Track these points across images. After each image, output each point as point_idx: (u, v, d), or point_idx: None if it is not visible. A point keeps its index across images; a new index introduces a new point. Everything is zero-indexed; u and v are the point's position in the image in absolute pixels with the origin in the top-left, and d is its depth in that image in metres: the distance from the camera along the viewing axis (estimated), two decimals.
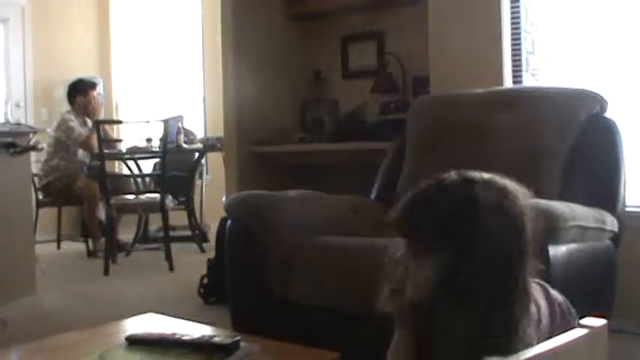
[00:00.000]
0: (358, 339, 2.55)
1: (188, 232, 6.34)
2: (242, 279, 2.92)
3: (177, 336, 1.71)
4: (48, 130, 6.05)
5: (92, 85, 6.25)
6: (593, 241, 2.49)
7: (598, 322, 1.22)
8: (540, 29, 3.82)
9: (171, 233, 6.15)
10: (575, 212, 2.33)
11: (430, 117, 3.24)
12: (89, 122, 6.09)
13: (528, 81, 3.81)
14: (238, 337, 1.69)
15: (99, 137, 5.31)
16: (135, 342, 1.70)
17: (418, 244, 1.33)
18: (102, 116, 6.27)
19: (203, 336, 1.70)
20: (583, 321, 1.26)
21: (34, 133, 4.49)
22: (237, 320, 2.90)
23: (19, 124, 4.88)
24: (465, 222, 1.30)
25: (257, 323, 2.84)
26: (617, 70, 3.44)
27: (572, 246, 2.33)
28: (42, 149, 4.72)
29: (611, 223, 2.63)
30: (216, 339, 1.67)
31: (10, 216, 4.34)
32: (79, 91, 6.17)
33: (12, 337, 3.65)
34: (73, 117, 6.08)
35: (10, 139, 4.18)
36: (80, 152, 6.04)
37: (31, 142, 4.36)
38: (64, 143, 5.98)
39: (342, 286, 2.58)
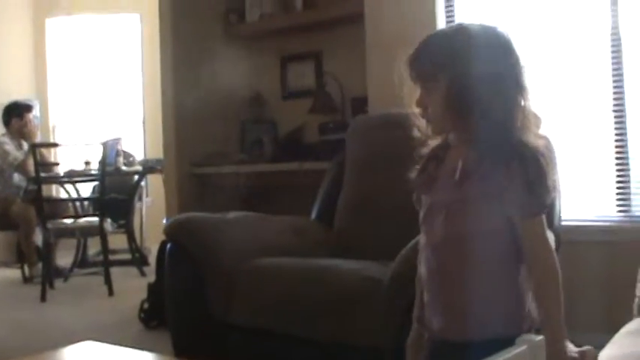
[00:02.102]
0: None
1: (128, 256, 6.25)
2: (183, 303, 2.90)
3: None
4: None
5: (27, 108, 6.13)
6: None
7: (535, 337, 1.25)
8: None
9: (111, 257, 6.06)
10: None
11: (368, 137, 3.28)
12: (25, 145, 5.97)
13: None
14: None
15: (35, 161, 5.21)
16: None
17: (428, 80, 1.52)
18: (38, 139, 6.15)
19: None
20: (520, 338, 1.29)
21: None
22: (178, 345, 2.88)
23: None
24: (454, 44, 1.52)
25: (199, 347, 2.83)
26: (550, 86, 3.51)
27: None
28: None
29: (551, 238, 2.68)
30: None
31: None
32: (15, 113, 6.05)
33: None
34: (8, 140, 5.96)
35: None
36: (16, 176, 5.92)
37: None
38: None
39: (282, 308, 2.58)
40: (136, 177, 6.28)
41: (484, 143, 1.48)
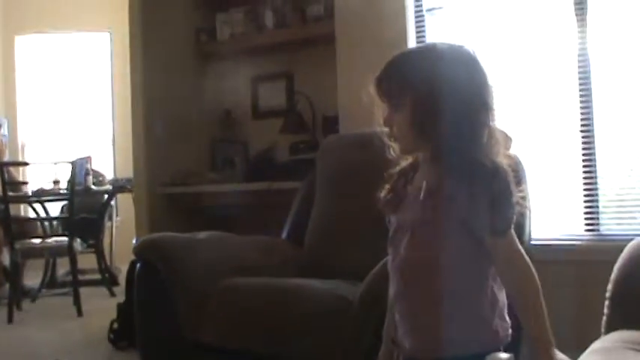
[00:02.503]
0: None
1: (98, 276, 6.19)
2: (152, 323, 2.88)
3: None
4: None
5: None
6: None
7: (505, 356, 1.28)
8: None
9: (81, 277, 5.99)
10: None
11: (339, 156, 3.29)
12: None
13: None
14: None
15: (2, 180, 5.15)
16: None
17: (394, 99, 1.54)
18: (6, 157, 6.09)
19: None
20: (490, 357, 1.32)
21: None
22: None
23: None
24: (420, 64, 1.54)
25: None
26: (518, 105, 3.55)
27: None
28: None
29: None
30: None
31: None
32: None
33: None
34: None
35: None
36: None
37: None
38: None
39: (253, 328, 2.57)
40: (106, 196, 6.24)
41: (448, 162, 1.48)
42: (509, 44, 3.62)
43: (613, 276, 1.89)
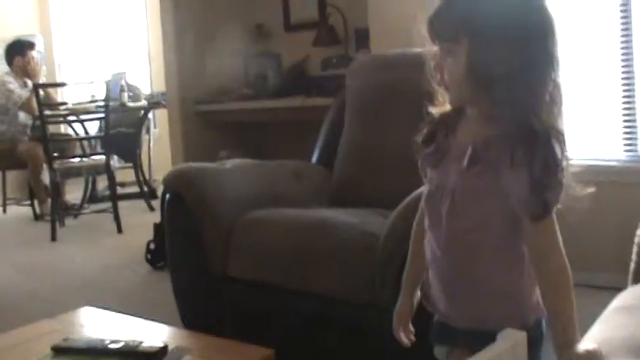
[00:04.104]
0: (298, 316, 2.55)
1: (137, 189, 6.27)
2: (182, 254, 2.89)
3: (105, 342, 1.67)
4: None
5: (30, 45, 6.04)
6: None
7: (518, 334, 1.21)
8: None
9: (121, 190, 6.11)
10: None
11: (367, 79, 3.19)
12: (29, 83, 5.91)
13: None
14: (166, 344, 1.66)
15: (38, 101, 5.17)
16: (61, 351, 1.66)
17: (449, 41, 1.35)
18: (43, 75, 6.08)
19: (131, 342, 1.66)
20: (502, 334, 1.25)
21: None
22: (179, 295, 2.88)
23: None
24: (480, 4, 1.33)
25: (198, 299, 2.84)
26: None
27: None
28: None
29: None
30: (144, 346, 1.64)
31: None
32: (17, 51, 5.97)
33: None
34: (12, 79, 5.90)
35: None
36: (22, 115, 5.88)
37: None
38: (3, 106, 5.81)
39: (279, 261, 2.56)
40: (142, 111, 6.24)
41: (499, 121, 1.31)
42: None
43: None
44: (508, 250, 1.38)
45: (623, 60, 3.19)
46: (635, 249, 1.76)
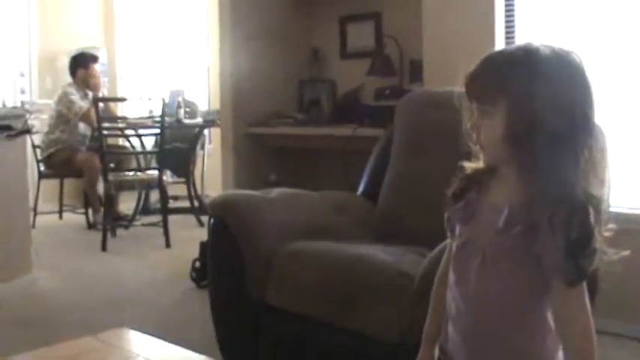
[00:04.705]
0: (333, 350, 2.57)
1: (189, 204, 6.37)
2: (222, 278, 2.93)
3: None
4: (49, 101, 6.05)
5: (93, 58, 6.22)
6: None
7: None
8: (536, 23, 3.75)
9: (173, 204, 6.22)
10: None
11: (415, 115, 3.20)
12: (90, 95, 6.08)
13: None
14: None
15: (97, 113, 5.31)
16: None
17: (487, 103, 1.36)
18: (104, 88, 6.24)
19: None
20: None
21: (30, 114, 4.50)
22: (217, 319, 2.93)
23: (15, 107, 4.87)
24: (520, 69, 1.33)
25: (235, 323, 2.88)
26: (612, 70, 3.40)
27: None
28: (36, 132, 4.73)
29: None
30: None
31: (6, 197, 4.38)
32: (81, 64, 6.15)
33: (4, 319, 3.71)
34: (74, 90, 6.08)
35: (6, 122, 4.20)
36: (81, 125, 6.05)
37: (27, 123, 4.37)
38: (64, 116, 5.99)
39: (316, 295, 2.59)
40: (198, 128, 6.35)
41: (537, 188, 1.32)
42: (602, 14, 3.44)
43: None
44: (534, 312, 1.38)
45: None
46: None
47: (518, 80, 1.33)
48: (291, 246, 2.75)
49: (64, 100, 5.99)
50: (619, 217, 3.12)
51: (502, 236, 1.35)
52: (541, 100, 1.31)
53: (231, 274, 2.86)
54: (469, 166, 1.46)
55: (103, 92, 6.19)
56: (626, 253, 1.36)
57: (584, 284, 1.33)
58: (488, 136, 1.36)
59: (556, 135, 1.30)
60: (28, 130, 4.28)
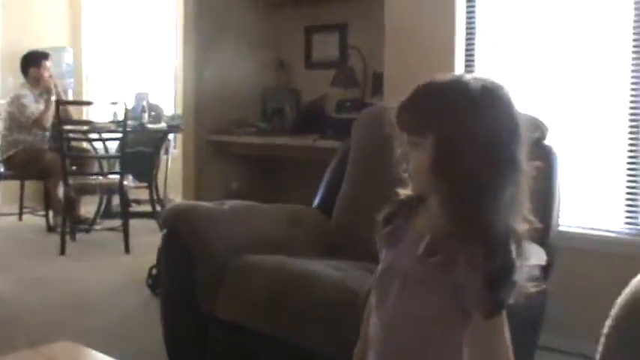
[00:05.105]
0: None
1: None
2: (173, 288, 2.93)
3: None
4: (1, 102, 5.99)
5: (44, 56, 6.13)
6: None
7: None
8: (504, 30, 3.78)
9: (136, 208, 6.17)
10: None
11: (369, 130, 3.22)
12: (45, 96, 6.02)
13: None
14: None
15: (58, 116, 5.26)
16: None
17: (414, 134, 1.38)
18: (68, 89, 6.18)
19: None
20: None
21: None
22: (167, 329, 2.92)
23: None
24: (448, 103, 1.36)
25: (184, 334, 2.87)
26: (567, 92, 3.45)
27: None
28: None
29: (538, 257, 2.64)
30: None
31: None
32: (31, 62, 6.06)
33: None
34: (27, 91, 6.00)
35: None
36: None
37: None
38: (17, 120, 5.91)
39: (265, 309, 2.59)
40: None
41: (458, 218, 1.33)
42: (561, 19, 3.48)
43: (613, 313, 1.76)
44: (453, 343, 1.39)
45: (630, 130, 3.19)
46: (602, 339, 1.74)
47: (445, 114, 1.35)
48: (242, 259, 2.75)
49: (16, 102, 5.92)
50: (571, 236, 3.18)
51: (422, 264, 1.37)
52: (466, 136, 1.33)
53: (182, 284, 2.86)
54: (402, 192, 1.47)
55: (60, 92, 6.09)
56: (543, 286, 1.39)
57: (504, 316, 1.36)
58: (416, 166, 1.39)
59: (478, 171, 1.33)
60: None
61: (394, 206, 1.50)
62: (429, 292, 1.38)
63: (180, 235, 2.85)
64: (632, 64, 3.16)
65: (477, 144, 1.33)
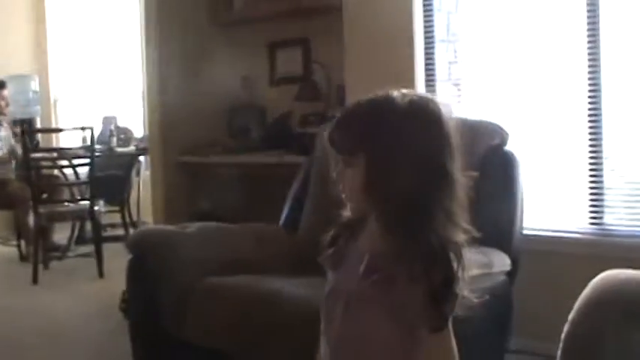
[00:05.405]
0: None
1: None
2: (140, 313, 2.94)
3: None
4: None
5: (1, 85, 6.14)
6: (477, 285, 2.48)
7: None
8: (464, 38, 3.81)
9: (110, 232, 6.14)
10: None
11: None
12: (4, 123, 6.02)
13: (447, 91, 3.81)
14: None
15: (25, 146, 5.24)
16: None
17: (346, 154, 1.39)
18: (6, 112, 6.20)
19: None
20: None
21: None
22: (136, 354, 2.92)
23: None
24: (375, 121, 1.36)
25: (154, 358, 2.86)
26: (526, 91, 3.47)
27: None
28: None
29: (502, 263, 2.66)
30: None
31: None
32: None
33: None
34: None
35: None
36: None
37: None
38: None
39: (229, 331, 2.60)
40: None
41: (394, 237, 1.34)
42: (519, 26, 3.51)
43: (571, 317, 1.77)
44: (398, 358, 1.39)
45: (590, 132, 3.21)
46: (560, 344, 1.75)
47: (374, 132, 1.36)
48: (207, 281, 2.74)
49: None
50: (536, 240, 3.19)
51: (362, 283, 1.37)
52: (394, 153, 1.34)
53: (149, 309, 2.86)
54: (344, 213, 1.48)
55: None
56: (486, 297, 1.39)
57: (450, 328, 1.37)
58: (350, 186, 1.40)
59: (410, 187, 1.33)
60: None
61: (337, 228, 1.50)
62: (372, 312, 1.38)
63: (144, 261, 2.86)
64: (589, 64, 3.19)
65: (407, 160, 1.34)
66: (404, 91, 1.40)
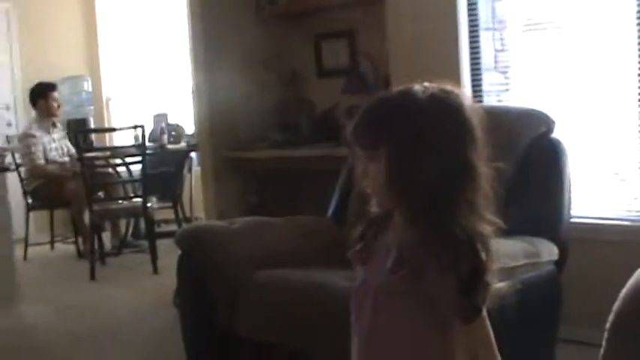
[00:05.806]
0: None
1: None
2: (191, 310, 2.97)
3: None
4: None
5: (51, 87, 6.24)
6: (523, 275, 2.45)
7: None
8: (511, 25, 3.76)
9: (164, 227, 6.23)
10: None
11: None
12: (57, 125, 6.14)
13: (494, 79, 3.78)
14: None
15: (78, 145, 5.34)
16: None
17: (368, 149, 1.41)
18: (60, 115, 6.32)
19: None
20: None
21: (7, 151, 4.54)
22: (189, 350, 2.96)
23: None
24: (396, 116, 1.38)
25: (207, 354, 2.91)
26: (578, 80, 3.43)
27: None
28: (14, 170, 4.75)
29: (549, 252, 2.63)
30: None
31: None
32: (39, 94, 6.17)
33: None
34: (35, 126, 6.11)
35: None
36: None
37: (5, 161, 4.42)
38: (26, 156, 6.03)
39: (280, 324, 2.62)
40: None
41: (420, 230, 1.35)
42: (567, 12, 3.46)
43: (616, 307, 1.75)
44: (437, 351, 1.40)
45: None
46: (605, 333, 1.73)
47: (395, 126, 1.37)
48: (257, 276, 2.77)
49: (24, 141, 6.03)
50: (584, 227, 3.15)
51: (392, 277, 1.39)
52: (416, 146, 1.35)
53: (200, 306, 2.90)
54: (372, 209, 1.49)
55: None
56: (519, 286, 1.40)
57: (484, 318, 1.37)
58: (375, 182, 1.41)
59: (433, 180, 1.34)
60: (6, 169, 4.31)
61: (365, 224, 1.51)
62: (402, 305, 1.40)
63: (193, 258, 2.90)
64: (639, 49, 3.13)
65: (428, 153, 1.34)
66: (426, 84, 1.41)
